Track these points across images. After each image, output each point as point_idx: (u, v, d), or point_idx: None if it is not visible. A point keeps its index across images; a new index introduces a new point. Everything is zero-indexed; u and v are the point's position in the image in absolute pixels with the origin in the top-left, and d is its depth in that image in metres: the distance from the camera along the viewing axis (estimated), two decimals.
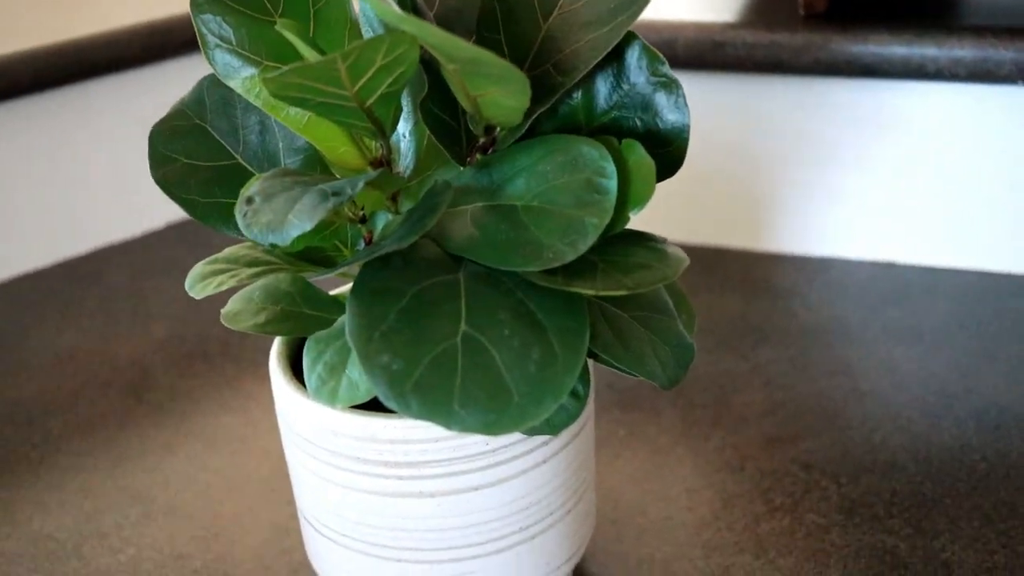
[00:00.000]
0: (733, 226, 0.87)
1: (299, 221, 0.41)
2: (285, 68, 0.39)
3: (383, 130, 0.46)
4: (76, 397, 0.75)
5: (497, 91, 0.42)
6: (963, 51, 0.74)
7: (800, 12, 0.79)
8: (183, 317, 0.84)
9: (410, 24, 0.37)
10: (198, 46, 0.94)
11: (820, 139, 0.82)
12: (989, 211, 0.81)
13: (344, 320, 0.50)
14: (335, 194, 0.42)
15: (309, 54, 0.44)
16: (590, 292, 0.41)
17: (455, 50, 0.38)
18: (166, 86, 0.94)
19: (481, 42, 0.47)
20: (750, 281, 0.84)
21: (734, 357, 0.75)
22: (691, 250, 0.85)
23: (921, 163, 0.81)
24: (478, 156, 0.47)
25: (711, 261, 0.87)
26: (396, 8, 0.38)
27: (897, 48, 0.75)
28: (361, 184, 0.42)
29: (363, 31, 0.48)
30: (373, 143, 0.48)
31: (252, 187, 0.44)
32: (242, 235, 0.49)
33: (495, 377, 0.39)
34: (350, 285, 0.54)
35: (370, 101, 0.43)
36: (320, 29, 0.47)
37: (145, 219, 0.97)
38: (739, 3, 0.84)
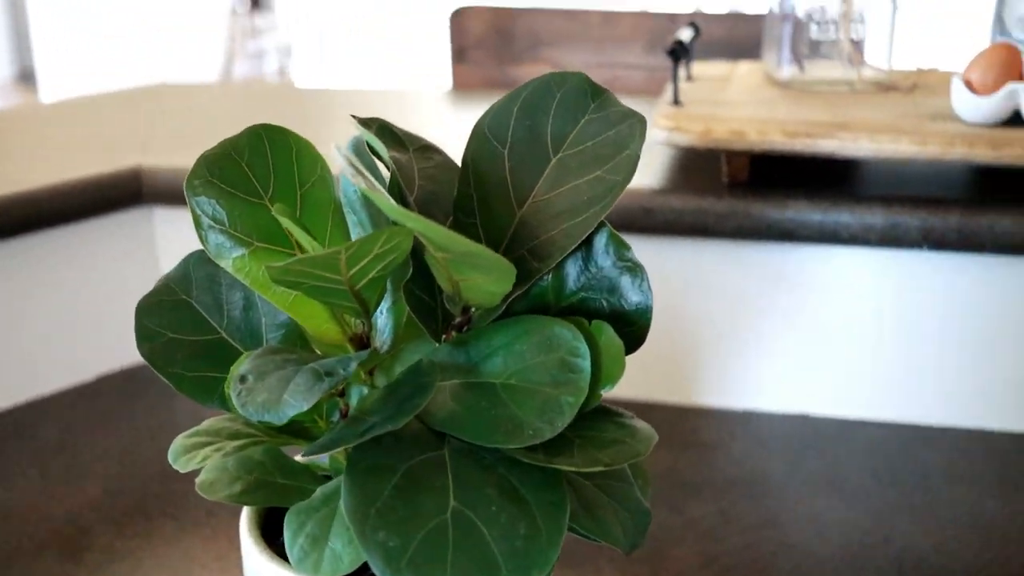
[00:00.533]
0: (660, 381, 0.91)
1: (295, 401, 0.43)
2: (292, 260, 0.41)
3: (367, 309, 0.48)
4: (10, 560, 0.74)
5: (482, 278, 0.45)
6: (874, 218, 0.80)
7: (724, 180, 0.84)
8: (120, 473, 0.84)
9: (415, 222, 0.40)
10: (141, 200, 0.96)
11: (742, 299, 0.87)
12: (897, 365, 0.86)
13: (323, 491, 0.52)
14: (328, 374, 0.44)
15: (306, 241, 0.46)
16: (572, 468, 0.43)
17: (453, 244, 0.41)
18: (107, 240, 0.96)
19: (457, 226, 0.50)
20: (678, 435, 0.87)
21: (667, 511, 0.77)
22: (621, 404, 0.88)
23: (834, 321, 0.86)
24: (454, 334, 0.50)
25: (640, 415, 0.90)
26: (397, 205, 0.41)
27: (814, 215, 0.81)
28: (354, 365, 0.44)
29: (345, 212, 0.51)
30: (353, 320, 0.50)
31: (244, 365, 0.46)
32: (226, 409, 0.51)
33: (484, 552, 0.42)
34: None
35: (360, 284, 0.46)
36: (306, 210, 0.50)
37: (76, 371, 0.97)
38: (667, 172, 0.89)
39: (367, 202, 0.51)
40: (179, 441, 0.50)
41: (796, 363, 0.88)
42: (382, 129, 0.52)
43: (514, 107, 0.50)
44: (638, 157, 0.48)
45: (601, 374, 0.47)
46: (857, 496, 0.78)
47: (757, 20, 1.22)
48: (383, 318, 0.52)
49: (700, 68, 1.02)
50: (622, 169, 0.48)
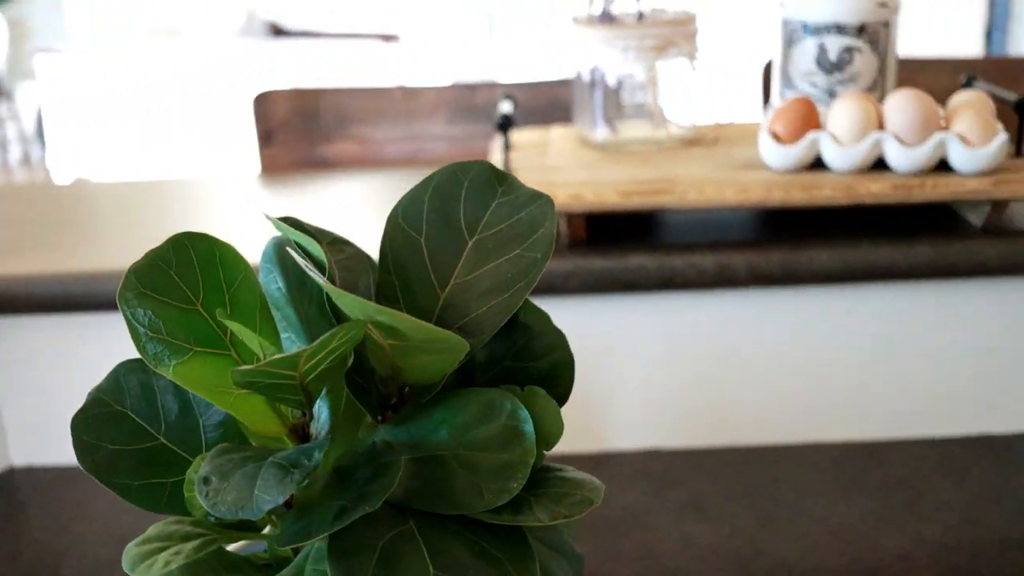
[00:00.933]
0: None
1: (269, 496, 0.45)
2: (260, 363, 0.44)
3: (311, 400, 0.51)
4: None
5: (430, 359, 0.48)
6: (704, 263, 0.87)
7: (564, 241, 0.90)
8: None
9: (385, 315, 0.43)
10: None
11: (591, 348, 0.92)
12: (735, 394, 0.93)
13: None
14: (294, 466, 0.47)
15: (255, 344, 0.48)
16: (538, 524, 0.47)
17: (416, 331, 0.45)
18: None
19: None
20: None
21: None
22: None
23: (676, 359, 0.92)
24: (389, 413, 0.53)
25: None
26: (368, 301, 0.44)
27: (650, 265, 0.87)
28: (319, 455, 0.47)
29: (271, 308, 0.53)
30: (291, 411, 0.53)
31: (203, 468, 0.47)
32: (174, 513, 0.52)
33: None
34: (243, 543, 0.58)
35: (309, 378, 0.48)
36: (236, 311, 0.52)
37: None
38: None
39: (292, 298, 0.53)
40: (132, 550, 0.51)
41: (644, 402, 0.94)
42: (296, 225, 0.54)
43: (424, 196, 0.54)
44: (554, 235, 0.52)
45: (542, 435, 0.51)
46: (721, 518, 0.84)
47: (551, 87, 1.29)
48: (319, 406, 0.55)
49: (515, 136, 1.07)
50: (540, 246, 0.52)
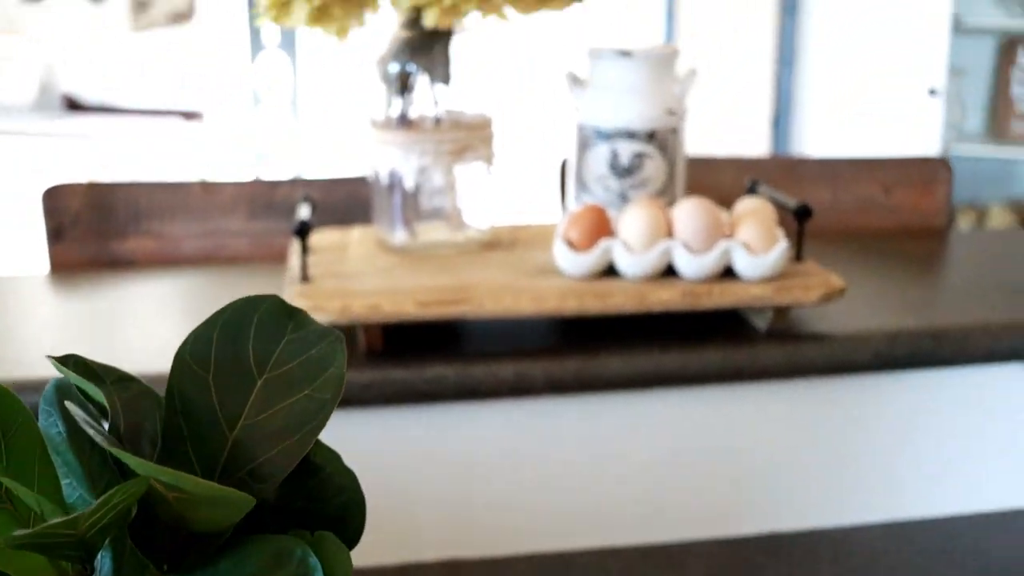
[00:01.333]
0: None
1: None
2: (40, 527, 0.42)
3: (92, 555, 0.49)
4: None
5: (214, 511, 0.47)
6: (503, 372, 0.88)
7: (361, 351, 0.90)
8: None
9: (168, 475, 0.42)
10: None
11: (391, 460, 0.92)
12: (534, 501, 0.94)
13: None
14: None
15: (33, 501, 0.46)
16: None
17: (200, 489, 0.43)
18: None
19: (167, 454, 0.51)
20: None
21: None
22: None
23: (475, 468, 0.93)
24: (175, 563, 0.51)
25: None
26: (147, 462, 0.43)
27: (449, 375, 0.88)
28: None
29: (51, 454, 0.51)
30: (70, 565, 0.50)
31: None
32: None
33: None
34: None
35: (91, 533, 0.46)
36: (13, 458, 0.50)
37: None
38: None
39: (73, 444, 0.51)
40: None
41: (444, 512, 0.94)
42: (78, 365, 0.53)
43: (213, 333, 0.53)
44: (343, 376, 0.52)
45: None
46: None
47: (351, 184, 1.29)
48: (101, 558, 0.52)
49: (314, 238, 1.07)
50: (329, 387, 0.51)
